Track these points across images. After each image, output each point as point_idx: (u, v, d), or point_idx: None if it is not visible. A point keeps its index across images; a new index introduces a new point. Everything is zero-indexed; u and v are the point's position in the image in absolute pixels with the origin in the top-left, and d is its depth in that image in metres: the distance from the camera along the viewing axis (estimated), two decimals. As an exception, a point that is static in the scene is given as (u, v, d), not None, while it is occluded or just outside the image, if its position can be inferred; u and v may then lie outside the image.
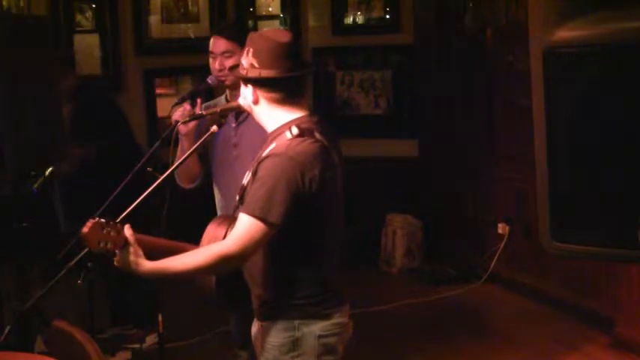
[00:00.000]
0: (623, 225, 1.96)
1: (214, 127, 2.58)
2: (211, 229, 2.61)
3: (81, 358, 2.44)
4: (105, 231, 2.29)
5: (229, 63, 3.06)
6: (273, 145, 2.43)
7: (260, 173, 2.39)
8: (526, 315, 5.18)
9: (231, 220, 2.61)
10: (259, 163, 2.41)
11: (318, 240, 2.49)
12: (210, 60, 3.13)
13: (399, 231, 6.19)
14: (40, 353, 3.00)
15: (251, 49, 2.45)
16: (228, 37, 3.08)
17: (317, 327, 2.48)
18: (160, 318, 3.34)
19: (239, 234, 2.35)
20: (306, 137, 2.41)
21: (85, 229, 2.28)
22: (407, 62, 6.36)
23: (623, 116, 1.92)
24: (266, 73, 2.43)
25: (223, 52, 3.08)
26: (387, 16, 6.39)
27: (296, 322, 2.48)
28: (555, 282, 5.25)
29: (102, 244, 2.29)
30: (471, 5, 5.92)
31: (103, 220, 2.30)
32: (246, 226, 2.35)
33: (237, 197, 2.57)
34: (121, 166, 2.94)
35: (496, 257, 5.72)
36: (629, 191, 1.95)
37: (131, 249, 2.34)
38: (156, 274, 2.38)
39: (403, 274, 6.12)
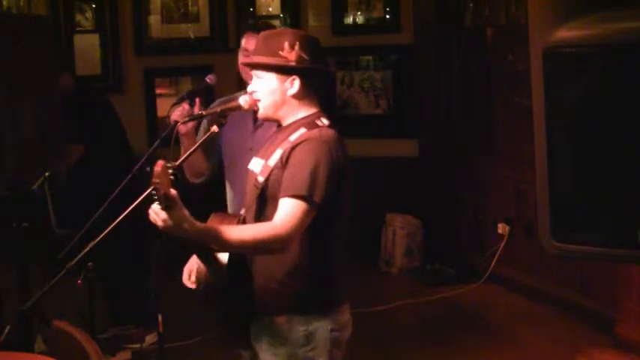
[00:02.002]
0: (623, 225, 1.95)
1: (214, 128, 2.58)
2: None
3: (81, 358, 2.44)
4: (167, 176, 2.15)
5: None
6: (302, 131, 2.46)
7: (297, 157, 2.41)
8: (526, 315, 5.18)
9: (232, 217, 2.60)
10: (292, 148, 2.43)
11: (336, 232, 2.52)
12: (241, 57, 3.12)
13: (399, 231, 6.19)
14: (40, 353, 3.01)
15: (297, 43, 2.47)
16: None
17: (329, 321, 2.50)
18: (160, 318, 3.34)
19: (285, 217, 2.34)
20: (330, 128, 2.50)
21: (158, 168, 2.10)
22: (407, 62, 6.35)
23: (623, 116, 1.92)
24: (317, 65, 2.51)
25: None
26: (387, 16, 6.38)
27: (310, 317, 2.49)
28: (555, 282, 5.24)
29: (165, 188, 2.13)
30: (471, 5, 5.92)
31: (169, 164, 2.18)
32: (291, 208, 2.35)
33: (260, 177, 2.51)
34: (111, 168, 2.93)
35: (496, 257, 5.72)
36: (629, 191, 1.94)
37: (183, 208, 2.21)
38: (204, 237, 2.28)
39: (403, 274, 6.12)
